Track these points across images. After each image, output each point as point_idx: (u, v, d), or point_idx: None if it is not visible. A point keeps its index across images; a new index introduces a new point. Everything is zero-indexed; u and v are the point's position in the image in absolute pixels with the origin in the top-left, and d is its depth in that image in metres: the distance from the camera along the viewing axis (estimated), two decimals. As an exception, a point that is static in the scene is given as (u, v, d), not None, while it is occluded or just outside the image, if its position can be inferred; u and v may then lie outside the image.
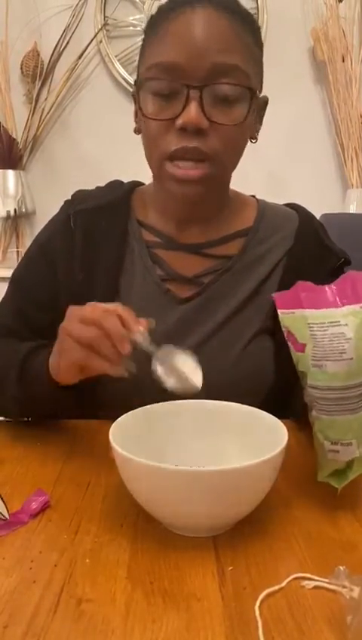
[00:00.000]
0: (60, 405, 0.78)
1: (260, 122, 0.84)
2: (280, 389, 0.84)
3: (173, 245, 0.87)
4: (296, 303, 0.59)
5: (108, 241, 0.87)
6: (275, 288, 0.85)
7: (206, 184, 0.77)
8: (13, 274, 0.92)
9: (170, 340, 0.82)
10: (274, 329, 0.85)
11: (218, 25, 0.73)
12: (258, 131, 0.84)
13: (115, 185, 0.94)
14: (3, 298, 0.91)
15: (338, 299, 0.58)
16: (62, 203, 0.93)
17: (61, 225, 0.89)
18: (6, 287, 0.91)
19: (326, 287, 0.59)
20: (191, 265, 0.86)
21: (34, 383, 0.74)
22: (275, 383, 0.85)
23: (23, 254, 0.95)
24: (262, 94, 0.82)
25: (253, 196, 0.95)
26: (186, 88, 0.72)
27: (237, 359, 0.83)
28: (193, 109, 0.72)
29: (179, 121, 0.73)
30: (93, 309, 0.65)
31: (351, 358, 0.56)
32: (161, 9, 0.78)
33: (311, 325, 0.57)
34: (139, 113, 0.79)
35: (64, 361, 0.67)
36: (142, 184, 0.95)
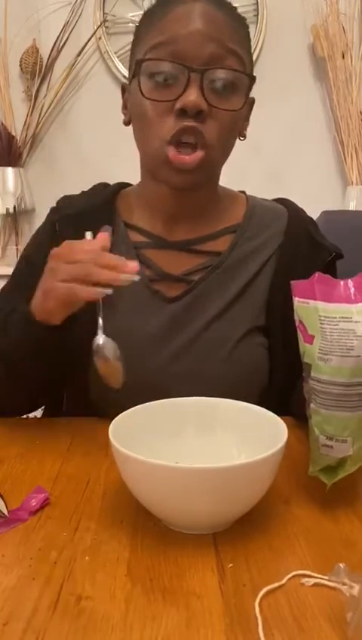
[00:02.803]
0: (47, 358, 0.76)
1: (248, 120, 0.85)
2: (277, 388, 0.84)
3: (161, 244, 0.86)
4: (311, 294, 0.59)
5: None
6: (266, 286, 0.85)
7: (200, 173, 0.77)
8: (3, 288, 0.91)
9: (161, 339, 0.82)
10: (267, 327, 0.85)
11: (216, 14, 0.74)
12: (245, 129, 0.85)
13: (99, 188, 0.94)
14: None
15: (352, 294, 0.57)
16: (61, 200, 0.93)
17: (47, 234, 0.89)
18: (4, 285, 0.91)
19: (342, 282, 0.58)
20: (180, 262, 0.85)
21: (19, 327, 0.73)
22: (271, 381, 0.84)
23: (22, 252, 0.94)
24: (252, 94, 0.82)
25: (243, 192, 0.94)
26: (187, 71, 0.72)
27: (229, 356, 0.82)
28: (194, 92, 0.72)
29: (179, 104, 0.72)
30: (81, 249, 0.67)
31: (359, 356, 0.56)
32: (158, 1, 0.79)
33: (322, 318, 0.57)
34: (136, 97, 0.78)
35: (52, 302, 0.68)
36: (129, 185, 0.94)
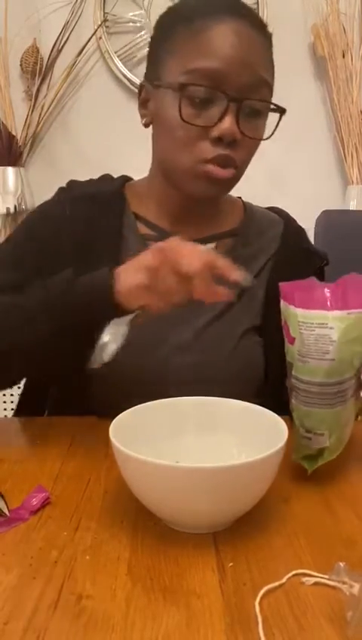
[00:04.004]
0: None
1: None
2: (273, 386, 0.84)
3: (168, 238, 0.87)
4: (291, 300, 0.63)
5: (105, 231, 0.86)
6: (263, 289, 0.88)
7: (228, 186, 0.82)
8: (1, 249, 0.88)
9: (164, 332, 0.83)
10: (263, 327, 0.88)
11: (253, 40, 0.76)
12: None
13: (107, 178, 0.95)
14: None
15: (329, 302, 0.62)
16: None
17: (53, 210, 0.88)
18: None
19: (319, 289, 0.63)
20: None
21: (88, 302, 0.68)
22: (266, 379, 0.86)
23: (21, 225, 0.91)
24: None
25: (239, 197, 0.97)
26: (226, 99, 0.74)
27: (231, 353, 0.84)
28: (232, 121, 0.74)
29: (216, 132, 0.74)
30: (190, 261, 0.63)
31: (333, 359, 0.61)
32: (193, 10, 0.77)
33: (301, 324, 0.62)
34: (167, 110, 0.77)
35: (144, 302, 0.65)
36: (130, 179, 0.95)
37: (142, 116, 0.84)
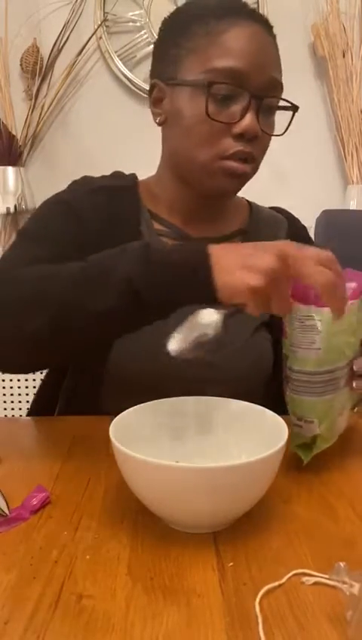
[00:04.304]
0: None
1: None
2: (278, 382, 0.85)
3: (181, 235, 0.88)
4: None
5: (124, 224, 0.86)
6: None
7: (244, 181, 0.83)
8: (25, 229, 0.84)
9: (177, 326, 0.83)
10: (271, 324, 0.89)
11: (267, 42, 0.80)
12: None
13: (120, 174, 0.95)
14: (9, 250, 0.81)
15: (317, 295, 0.63)
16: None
17: (72, 199, 0.85)
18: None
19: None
20: None
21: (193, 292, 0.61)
22: (274, 375, 0.87)
23: (39, 209, 0.87)
24: None
25: (243, 198, 0.98)
26: (249, 97, 0.76)
27: (243, 347, 0.86)
28: (253, 118, 0.77)
29: (238, 129, 0.77)
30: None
31: (319, 349, 0.64)
32: (206, 11, 0.78)
33: (293, 316, 0.66)
34: (186, 107, 0.78)
35: (245, 297, 0.58)
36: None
37: (156, 115, 0.84)
